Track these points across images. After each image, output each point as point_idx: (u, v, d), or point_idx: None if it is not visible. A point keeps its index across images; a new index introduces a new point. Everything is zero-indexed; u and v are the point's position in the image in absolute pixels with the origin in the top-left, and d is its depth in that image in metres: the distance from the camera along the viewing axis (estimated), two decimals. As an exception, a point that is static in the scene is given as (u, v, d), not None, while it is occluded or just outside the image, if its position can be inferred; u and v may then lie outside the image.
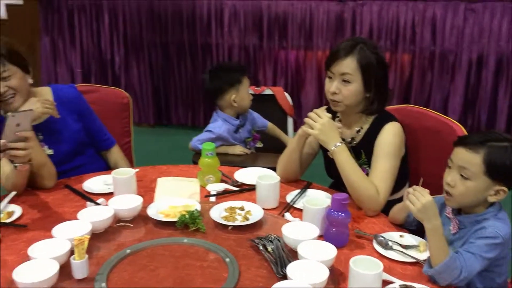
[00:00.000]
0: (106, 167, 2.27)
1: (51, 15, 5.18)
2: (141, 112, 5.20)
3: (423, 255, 1.44)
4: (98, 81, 5.20)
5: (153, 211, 1.65)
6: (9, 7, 6.44)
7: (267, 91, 2.96)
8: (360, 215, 1.70)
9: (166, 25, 4.91)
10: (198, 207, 1.66)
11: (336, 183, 2.02)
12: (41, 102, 1.90)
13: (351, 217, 1.51)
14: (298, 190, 1.84)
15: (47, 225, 1.55)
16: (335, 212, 1.48)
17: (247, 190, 1.87)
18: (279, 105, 2.96)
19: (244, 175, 1.99)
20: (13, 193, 1.77)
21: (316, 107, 1.85)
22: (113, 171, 1.79)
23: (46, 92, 2.09)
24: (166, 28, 4.92)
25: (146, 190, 1.87)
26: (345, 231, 1.51)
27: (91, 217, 1.55)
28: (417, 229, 1.59)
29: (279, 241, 1.45)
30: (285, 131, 2.92)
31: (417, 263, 1.42)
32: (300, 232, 1.47)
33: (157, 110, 5.23)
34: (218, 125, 2.56)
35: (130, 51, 5.06)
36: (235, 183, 1.92)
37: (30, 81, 1.99)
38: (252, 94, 2.71)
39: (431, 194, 1.39)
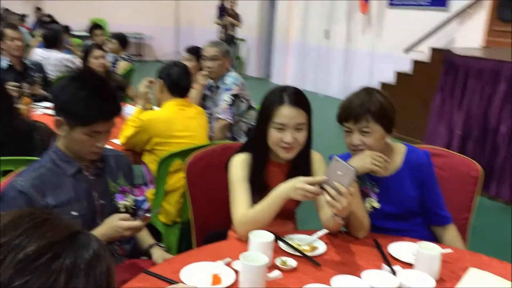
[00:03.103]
0: (432, 240, 2.08)
1: (449, 75, 5.25)
2: (497, 186, 4.66)
3: None
4: (475, 147, 4.93)
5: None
6: (416, 63, 6.98)
7: None
8: None
9: None
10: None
11: None
12: (372, 157, 1.91)
13: None
14: None
15: (343, 271, 1.59)
16: None
17: None
18: None
19: None
20: (325, 230, 1.87)
21: None
22: (419, 242, 1.66)
23: (399, 149, 2.09)
24: None
25: (451, 277, 1.65)
26: None
27: (373, 282, 1.49)
28: None
29: None
30: None
31: None
32: None
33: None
34: None
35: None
36: None
37: (388, 140, 2.04)
38: None
39: None
